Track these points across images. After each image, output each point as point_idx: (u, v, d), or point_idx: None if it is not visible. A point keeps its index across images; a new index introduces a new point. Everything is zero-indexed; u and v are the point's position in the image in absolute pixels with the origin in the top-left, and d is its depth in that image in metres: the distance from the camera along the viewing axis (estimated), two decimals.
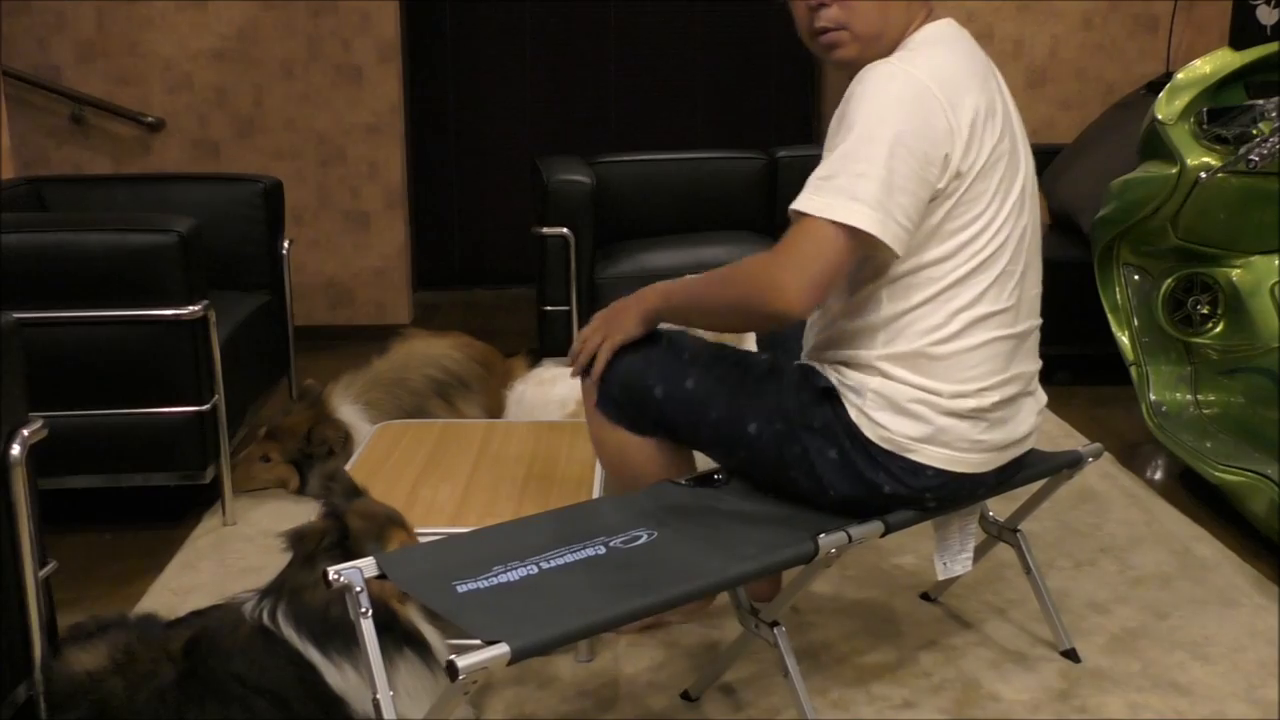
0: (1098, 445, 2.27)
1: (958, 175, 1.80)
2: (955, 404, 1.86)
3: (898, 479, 1.89)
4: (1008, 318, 1.90)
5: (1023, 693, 2.18)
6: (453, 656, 1.49)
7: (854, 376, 1.90)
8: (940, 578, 2.14)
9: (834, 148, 1.79)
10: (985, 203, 1.84)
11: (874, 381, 1.88)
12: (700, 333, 2.75)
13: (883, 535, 1.93)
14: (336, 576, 1.66)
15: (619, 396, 2.11)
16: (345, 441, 3.02)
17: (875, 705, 2.13)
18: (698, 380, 2.04)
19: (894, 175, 1.75)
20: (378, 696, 1.63)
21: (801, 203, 1.78)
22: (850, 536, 1.86)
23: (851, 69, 1.89)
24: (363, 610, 1.64)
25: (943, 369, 1.86)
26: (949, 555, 2.11)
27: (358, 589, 1.65)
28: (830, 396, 1.91)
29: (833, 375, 1.93)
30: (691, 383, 2.04)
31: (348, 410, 3.11)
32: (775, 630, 1.94)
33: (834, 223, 1.74)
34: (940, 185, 1.79)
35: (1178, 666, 2.25)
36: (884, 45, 1.89)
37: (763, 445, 1.96)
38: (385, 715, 1.62)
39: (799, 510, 1.95)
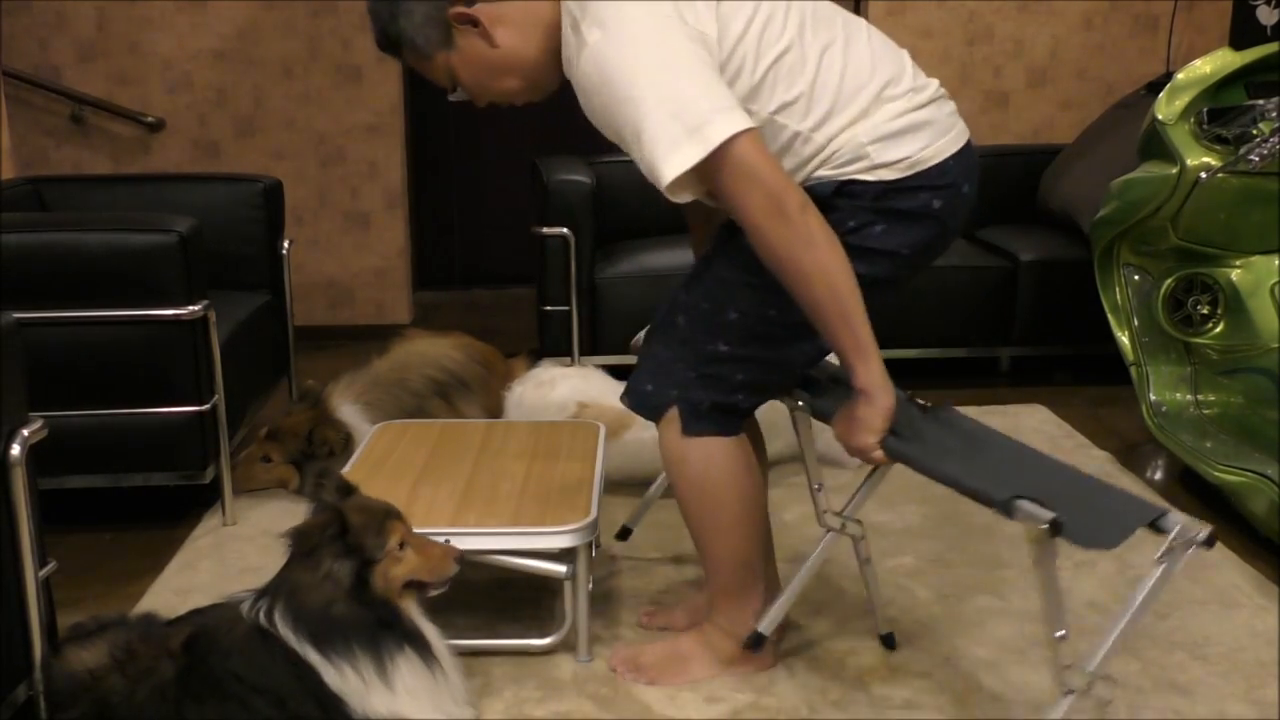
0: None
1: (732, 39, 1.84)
2: (912, 100, 1.94)
3: (937, 190, 1.93)
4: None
5: (1023, 693, 2.18)
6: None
7: (841, 155, 1.90)
8: None
9: (627, 129, 1.77)
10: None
11: (854, 139, 1.90)
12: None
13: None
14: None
15: (703, 399, 2.00)
16: (346, 443, 3.02)
17: (875, 705, 2.13)
18: (734, 307, 1.97)
19: (695, 86, 1.75)
20: None
21: (684, 160, 1.73)
22: None
23: (536, 100, 1.99)
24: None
25: (875, 99, 1.92)
26: None
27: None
28: (840, 192, 1.91)
29: (826, 178, 1.92)
30: (733, 314, 1.98)
31: (348, 410, 3.11)
32: (858, 525, 2.18)
33: (723, 141, 1.73)
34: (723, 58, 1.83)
35: (1178, 666, 2.25)
36: (544, 58, 1.92)
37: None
38: None
39: None
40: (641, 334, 3.29)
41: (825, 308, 1.80)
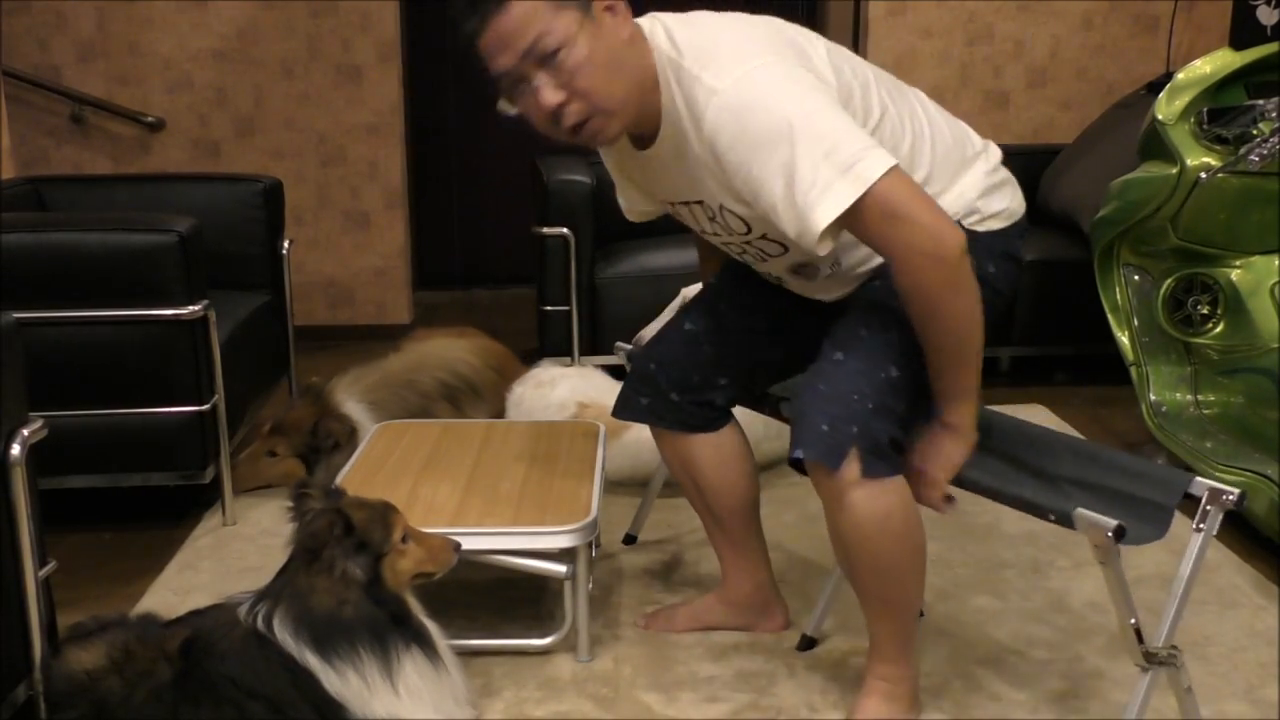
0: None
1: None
2: (989, 160, 2.02)
3: (1021, 236, 2.04)
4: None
5: (1023, 693, 2.18)
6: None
7: (955, 212, 1.91)
8: None
9: (772, 173, 1.69)
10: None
11: (962, 195, 1.95)
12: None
13: None
14: None
15: (881, 434, 1.84)
16: (351, 435, 3.00)
17: None
18: (892, 347, 1.88)
19: (839, 123, 1.71)
20: None
21: (839, 203, 1.67)
22: None
23: (616, 139, 1.84)
24: None
25: (963, 160, 1.98)
26: None
27: None
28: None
29: None
30: (895, 370, 1.87)
31: (352, 406, 3.10)
32: None
33: (877, 180, 1.67)
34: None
35: None
36: (636, 104, 1.78)
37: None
38: None
39: None
40: (645, 329, 3.31)
41: (950, 351, 1.79)
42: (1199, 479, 1.82)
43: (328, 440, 3.00)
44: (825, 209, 1.67)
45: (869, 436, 1.81)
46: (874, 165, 1.67)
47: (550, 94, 1.73)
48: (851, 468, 1.80)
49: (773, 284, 2.16)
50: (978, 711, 2.11)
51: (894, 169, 1.68)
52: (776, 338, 2.20)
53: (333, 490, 1.98)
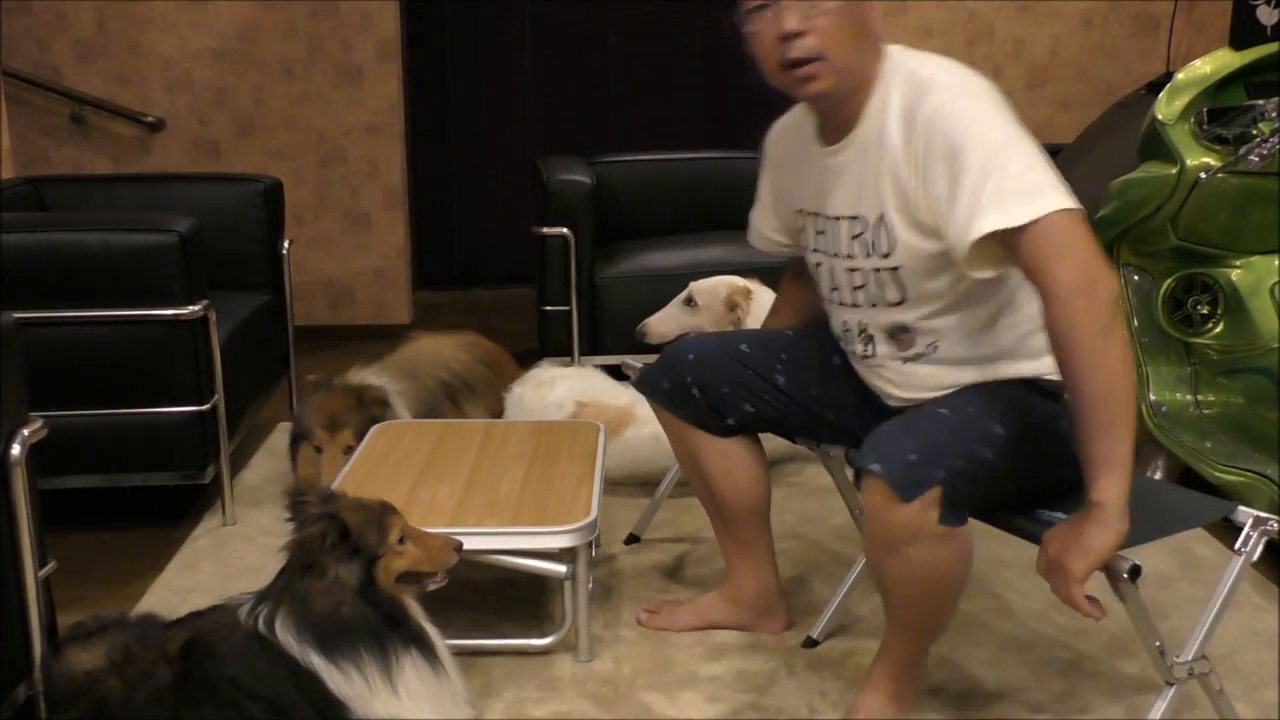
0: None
1: None
2: None
3: None
4: None
5: (1023, 693, 2.18)
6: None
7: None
8: None
9: (970, 167, 1.73)
10: None
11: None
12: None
13: None
14: None
15: (968, 492, 1.77)
16: (386, 402, 2.97)
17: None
18: (998, 424, 1.83)
19: (1039, 157, 1.76)
20: None
21: (1013, 217, 1.69)
22: None
23: (824, 103, 1.91)
24: None
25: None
26: None
27: None
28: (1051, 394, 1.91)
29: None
30: (1001, 429, 1.82)
31: (374, 379, 3.07)
32: None
33: (1056, 212, 1.70)
34: None
35: None
36: (854, 80, 1.87)
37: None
38: None
39: None
40: (650, 319, 3.31)
41: (1096, 406, 1.68)
42: (1242, 507, 1.85)
43: (377, 406, 2.94)
44: (991, 219, 1.71)
45: (956, 484, 1.74)
46: (1060, 199, 1.71)
47: (792, 19, 1.83)
48: (927, 511, 1.72)
49: (840, 373, 2.14)
50: (978, 711, 2.11)
51: (1077, 211, 1.72)
52: (816, 410, 2.18)
53: (329, 495, 1.98)
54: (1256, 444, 2.85)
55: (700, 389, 2.20)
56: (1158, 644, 1.82)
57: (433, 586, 1.97)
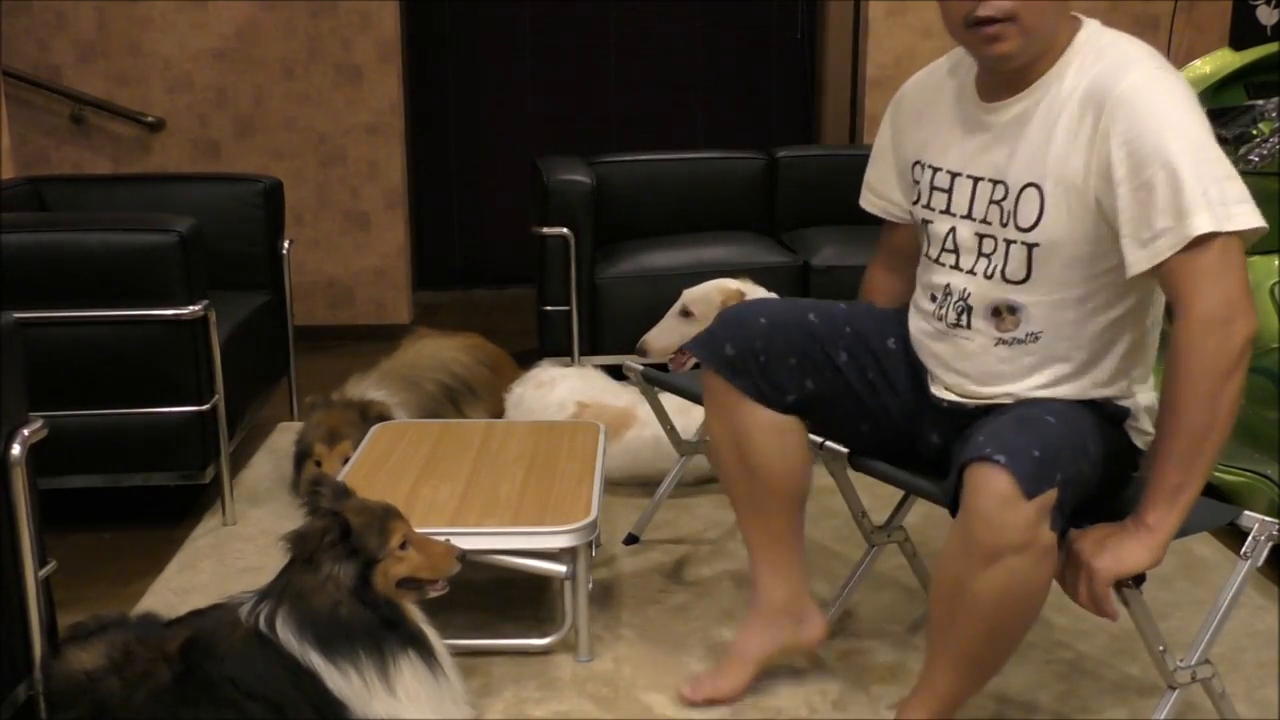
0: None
1: None
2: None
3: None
4: None
5: (1023, 693, 2.18)
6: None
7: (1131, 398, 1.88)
8: None
9: (1171, 161, 1.64)
10: None
11: (1143, 398, 1.90)
12: None
13: None
14: None
15: (1072, 502, 1.72)
16: (389, 418, 2.98)
17: (875, 705, 2.13)
18: (1092, 440, 1.78)
19: (1231, 166, 1.68)
20: None
21: (1221, 222, 1.63)
22: None
23: (1005, 65, 1.79)
24: None
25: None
26: None
27: None
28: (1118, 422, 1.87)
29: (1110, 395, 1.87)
30: (1092, 447, 1.78)
31: (375, 394, 3.08)
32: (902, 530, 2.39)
33: (1239, 231, 1.65)
34: None
35: None
36: (1042, 46, 1.77)
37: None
38: None
39: None
40: (648, 335, 3.31)
41: (1189, 439, 1.65)
42: (1248, 513, 1.85)
43: (379, 422, 2.95)
44: (1205, 219, 1.63)
45: (1068, 490, 1.68)
46: (1249, 217, 1.65)
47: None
48: (1043, 513, 1.64)
49: (896, 356, 2.04)
50: (978, 712, 2.11)
51: (1248, 234, 1.66)
52: (866, 398, 2.05)
53: (341, 489, 1.98)
54: (1256, 444, 2.85)
55: (768, 357, 2.01)
56: (1161, 648, 1.81)
57: (433, 594, 1.97)
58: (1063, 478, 1.66)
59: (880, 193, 2.16)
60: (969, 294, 1.89)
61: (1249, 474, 2.72)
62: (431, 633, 1.96)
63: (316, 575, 1.85)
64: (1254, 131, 2.82)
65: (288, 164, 4.70)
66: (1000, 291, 1.85)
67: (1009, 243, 1.83)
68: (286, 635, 1.82)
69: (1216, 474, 2.80)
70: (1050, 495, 1.64)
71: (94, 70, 4.59)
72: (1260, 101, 2.87)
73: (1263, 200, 2.91)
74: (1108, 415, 1.86)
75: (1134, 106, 1.69)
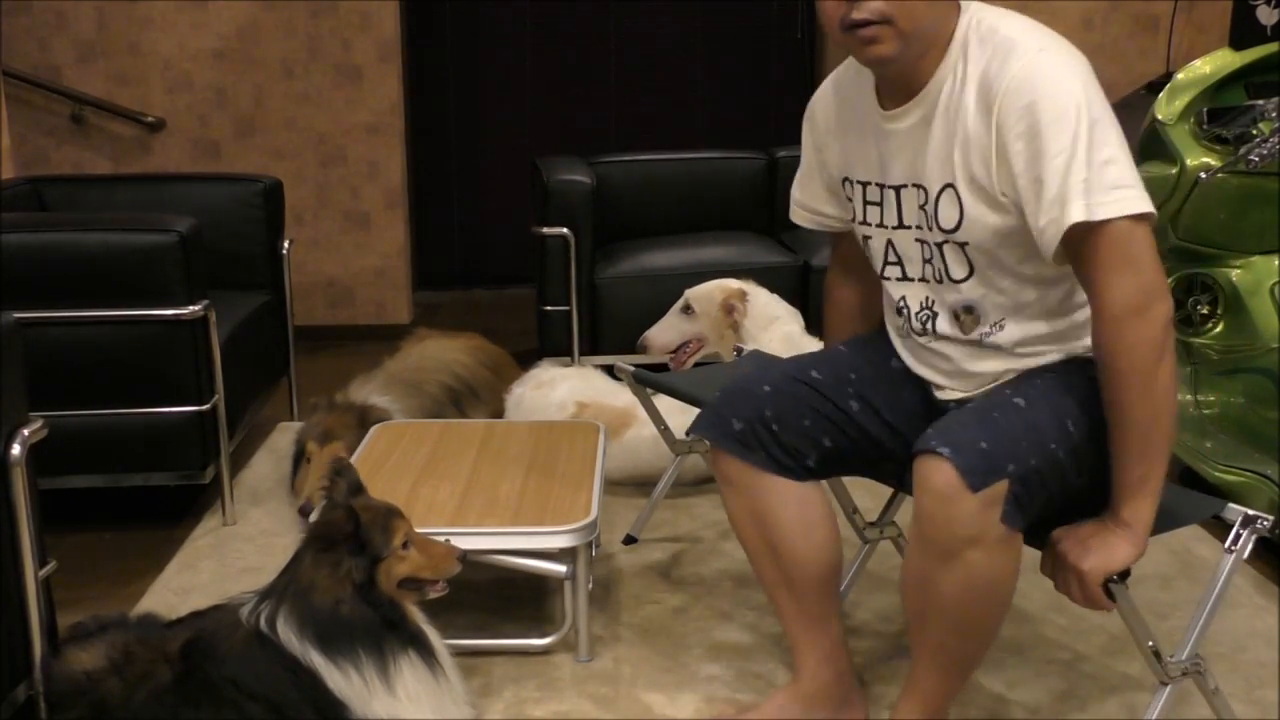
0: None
1: None
2: None
3: None
4: None
5: (1023, 694, 2.18)
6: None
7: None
8: None
9: (1056, 149, 1.62)
10: None
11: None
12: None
13: None
14: None
15: (1035, 493, 1.68)
16: (391, 418, 2.98)
17: (875, 705, 2.13)
18: (1072, 420, 1.74)
19: (1124, 148, 1.65)
20: None
21: (1092, 210, 1.60)
22: None
23: (885, 68, 1.77)
24: None
25: None
26: None
27: None
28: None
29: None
30: (1073, 426, 1.73)
31: (377, 399, 3.08)
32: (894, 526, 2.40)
33: (1131, 216, 1.61)
34: None
35: None
36: (923, 44, 1.74)
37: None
38: None
39: None
40: (649, 331, 3.31)
41: (1138, 431, 1.64)
42: (1232, 505, 1.86)
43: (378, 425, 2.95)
44: (1079, 208, 1.61)
45: (1025, 482, 1.64)
46: (1138, 202, 1.62)
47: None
48: (992, 506, 1.62)
49: (900, 376, 1.98)
50: (978, 712, 2.11)
51: (1149, 217, 1.63)
52: (885, 440, 1.97)
53: (356, 484, 1.98)
54: (1256, 444, 2.85)
55: (780, 424, 1.91)
56: (1151, 644, 1.82)
57: (434, 594, 1.97)
58: (1016, 469, 1.63)
59: (811, 207, 2.11)
60: (931, 301, 1.88)
61: (1249, 474, 2.72)
62: (432, 633, 1.96)
63: (334, 570, 1.85)
64: (1254, 131, 2.82)
65: (288, 164, 4.70)
66: (951, 294, 1.84)
67: (940, 245, 1.82)
68: (287, 634, 1.82)
69: (1216, 474, 2.81)
70: (999, 487, 1.61)
71: (94, 70, 4.59)
72: (1260, 101, 2.87)
73: (1262, 200, 2.93)
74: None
75: (1020, 98, 1.66)
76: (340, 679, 1.81)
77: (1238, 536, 1.82)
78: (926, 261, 1.86)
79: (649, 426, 2.94)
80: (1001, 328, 1.83)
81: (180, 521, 2.96)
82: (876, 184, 1.89)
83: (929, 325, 1.89)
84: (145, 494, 3.02)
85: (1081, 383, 1.76)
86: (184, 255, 2.72)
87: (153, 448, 2.79)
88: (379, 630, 1.86)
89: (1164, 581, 2.58)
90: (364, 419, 2.95)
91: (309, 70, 4.68)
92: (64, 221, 3.07)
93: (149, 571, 2.69)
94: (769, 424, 1.91)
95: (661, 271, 3.86)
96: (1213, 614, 1.84)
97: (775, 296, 3.33)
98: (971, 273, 1.80)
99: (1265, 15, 3.13)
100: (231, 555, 2.78)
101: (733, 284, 3.30)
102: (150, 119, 4.62)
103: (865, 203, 1.92)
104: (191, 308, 2.73)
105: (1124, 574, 1.69)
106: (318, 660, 1.81)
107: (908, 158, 1.82)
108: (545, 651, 2.30)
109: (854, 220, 1.97)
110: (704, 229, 4.26)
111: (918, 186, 1.82)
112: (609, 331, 3.93)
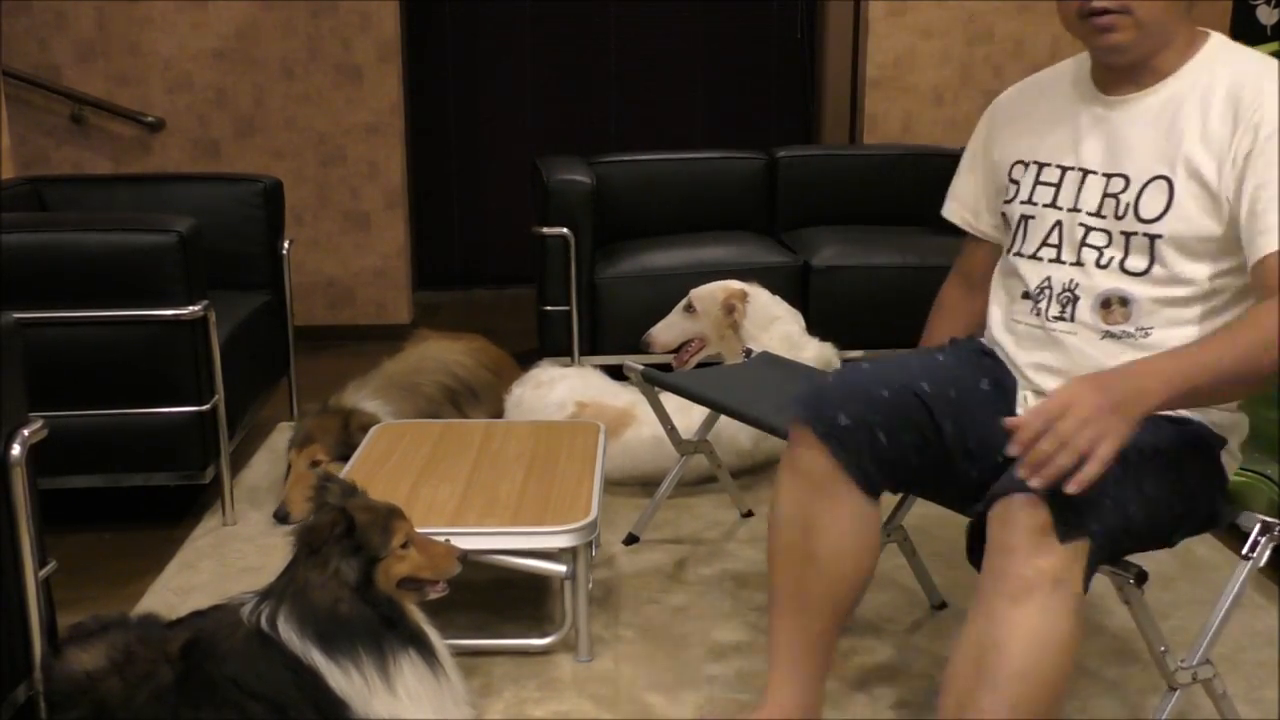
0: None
1: None
2: None
3: None
4: None
5: None
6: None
7: (1221, 417, 1.83)
8: None
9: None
10: None
11: (1240, 420, 1.88)
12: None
13: None
14: None
15: (1108, 553, 1.62)
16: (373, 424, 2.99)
17: (875, 705, 2.13)
18: (1153, 480, 1.69)
19: None
20: None
21: None
22: None
23: (1119, 57, 1.79)
24: None
25: None
26: None
27: None
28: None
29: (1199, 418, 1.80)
30: (1152, 489, 1.68)
31: (368, 404, 3.08)
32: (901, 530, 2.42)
33: None
34: None
35: None
36: (1158, 41, 1.78)
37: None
38: None
39: None
40: (653, 329, 3.32)
41: (1232, 351, 1.60)
42: (1248, 512, 1.85)
43: (360, 434, 2.95)
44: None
45: (1106, 547, 1.60)
46: None
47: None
48: (1077, 561, 1.54)
49: (988, 398, 1.90)
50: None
51: None
52: (964, 468, 1.89)
53: (349, 487, 1.99)
54: (1256, 444, 2.85)
55: (887, 435, 1.81)
56: (1162, 648, 1.81)
57: (434, 594, 1.97)
58: (1103, 530, 1.57)
59: (966, 203, 2.12)
60: (1076, 285, 1.84)
61: (1249, 474, 2.72)
62: (432, 632, 1.96)
63: (321, 570, 1.85)
64: None
65: (288, 164, 4.70)
66: (1114, 282, 1.80)
67: (1128, 234, 1.79)
68: (288, 633, 1.82)
69: None
70: (1081, 546, 1.55)
71: (94, 70, 4.59)
72: None
73: None
74: (1191, 440, 1.78)
75: (1273, 113, 1.69)
76: (341, 678, 1.81)
77: (1255, 544, 1.80)
78: (1094, 247, 1.82)
79: (648, 426, 2.95)
80: (1147, 334, 1.79)
81: (180, 521, 2.96)
82: (1059, 165, 1.89)
83: (1068, 310, 1.84)
84: (145, 494, 3.02)
85: (1168, 435, 1.72)
86: (184, 255, 2.72)
87: (153, 448, 2.79)
88: (378, 629, 1.86)
89: (1164, 582, 2.58)
90: (348, 423, 2.95)
91: (309, 70, 4.68)
92: (64, 221, 3.07)
93: (149, 571, 2.69)
94: (874, 431, 1.81)
95: (661, 271, 3.86)
96: (1225, 621, 1.82)
97: (776, 297, 3.33)
98: (1149, 268, 1.78)
99: (1265, 15, 3.14)
100: (231, 555, 2.78)
101: (735, 285, 3.31)
102: (150, 119, 4.62)
103: (1037, 183, 1.91)
104: (191, 308, 2.73)
105: (1141, 577, 1.70)
106: (319, 659, 1.81)
107: (1113, 145, 1.83)
108: (545, 651, 2.30)
109: (1011, 200, 1.95)
110: (704, 229, 4.26)
111: (1113, 175, 1.82)
112: (609, 331, 3.93)
